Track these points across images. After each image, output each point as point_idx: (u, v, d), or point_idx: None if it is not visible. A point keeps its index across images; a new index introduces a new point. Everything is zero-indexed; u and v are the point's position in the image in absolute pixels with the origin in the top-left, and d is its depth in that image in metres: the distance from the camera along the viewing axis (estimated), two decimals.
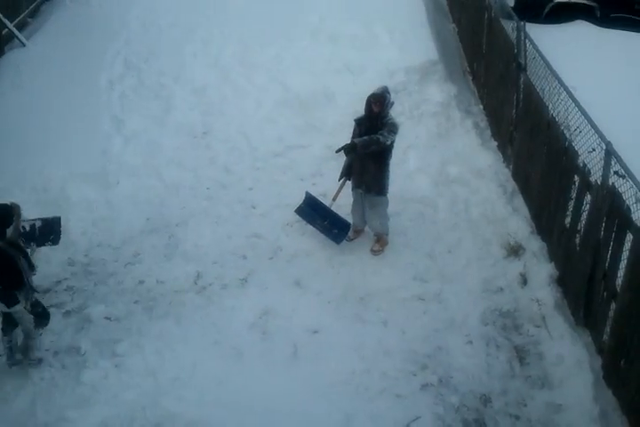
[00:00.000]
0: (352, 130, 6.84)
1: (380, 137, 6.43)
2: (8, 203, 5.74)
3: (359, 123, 6.75)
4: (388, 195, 6.96)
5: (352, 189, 7.02)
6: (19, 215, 5.74)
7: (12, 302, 5.57)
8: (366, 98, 6.62)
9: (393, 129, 6.54)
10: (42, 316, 6.01)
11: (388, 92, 6.68)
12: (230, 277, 6.83)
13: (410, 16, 10.61)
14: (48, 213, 7.20)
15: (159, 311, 6.44)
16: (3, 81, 9.18)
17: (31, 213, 7.37)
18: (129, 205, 7.68)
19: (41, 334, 6.03)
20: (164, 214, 7.63)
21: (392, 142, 6.62)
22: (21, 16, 10.69)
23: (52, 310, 6.37)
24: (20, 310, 5.63)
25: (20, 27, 10.56)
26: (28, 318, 5.74)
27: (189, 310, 6.45)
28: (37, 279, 6.68)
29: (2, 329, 5.84)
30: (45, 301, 6.48)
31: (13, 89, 9.09)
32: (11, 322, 5.78)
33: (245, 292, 6.67)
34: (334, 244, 7.12)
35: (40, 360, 5.87)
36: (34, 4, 11.23)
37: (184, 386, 5.68)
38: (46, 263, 6.94)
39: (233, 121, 8.96)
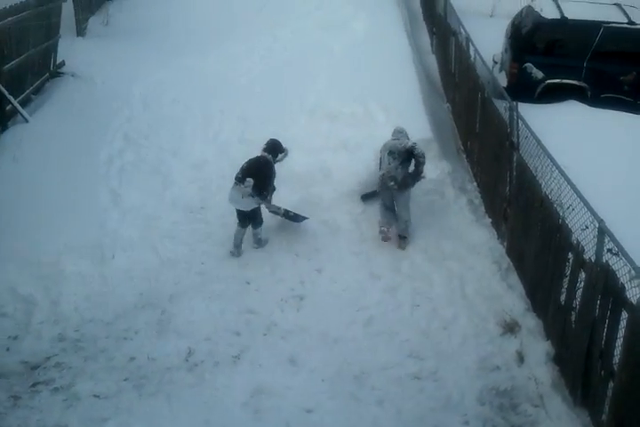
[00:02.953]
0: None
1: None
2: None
3: None
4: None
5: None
6: (287, 153, 8.37)
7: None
8: None
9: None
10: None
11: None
12: (223, 353, 6.73)
13: (405, 96, 10.88)
14: (40, 288, 7.22)
15: (149, 389, 6.31)
16: (4, 155, 9.30)
17: (25, 287, 7.39)
18: (123, 279, 7.66)
19: (244, 234, 8.12)
20: (157, 289, 7.59)
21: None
22: (26, 93, 10.95)
23: (40, 387, 6.28)
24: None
25: (24, 103, 10.80)
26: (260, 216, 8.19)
27: (180, 388, 6.31)
28: (26, 356, 6.65)
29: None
30: (34, 377, 6.40)
31: (14, 163, 9.19)
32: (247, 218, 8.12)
33: (238, 369, 6.55)
34: (329, 318, 7.10)
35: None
36: (38, 81, 11.52)
37: None
38: (37, 339, 6.87)
39: None
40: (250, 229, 8.26)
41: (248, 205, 7.97)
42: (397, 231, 8.37)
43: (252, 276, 7.81)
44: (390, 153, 8.29)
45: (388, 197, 8.40)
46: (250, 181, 7.81)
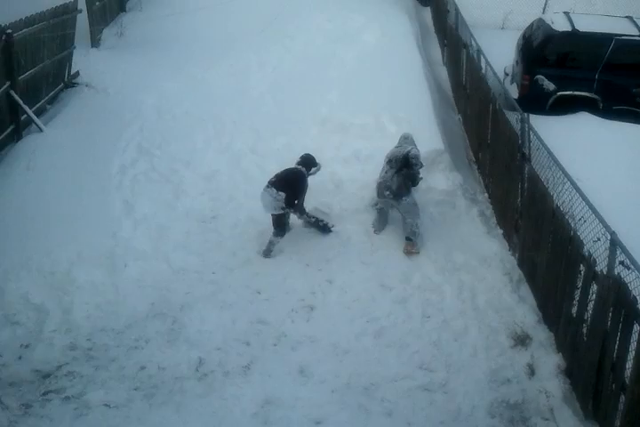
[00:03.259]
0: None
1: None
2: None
3: None
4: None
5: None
6: (319, 167, 8.55)
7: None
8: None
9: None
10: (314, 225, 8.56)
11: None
12: (233, 364, 6.73)
13: (417, 107, 10.91)
14: (52, 296, 7.28)
15: (159, 399, 6.33)
16: (18, 164, 9.39)
17: (37, 295, 7.43)
18: (135, 289, 7.68)
19: (279, 242, 8.33)
20: (169, 299, 7.60)
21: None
22: (41, 102, 11.07)
23: (51, 396, 6.30)
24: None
25: (39, 113, 10.92)
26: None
27: (190, 397, 6.33)
28: (38, 364, 6.68)
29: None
30: (45, 386, 6.43)
31: (28, 171, 9.28)
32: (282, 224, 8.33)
33: (248, 380, 6.56)
34: (339, 329, 7.13)
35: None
36: (53, 92, 11.64)
37: None
38: (48, 347, 6.89)
39: (242, 207, 9.08)
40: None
41: (276, 208, 8.13)
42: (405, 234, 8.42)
43: (262, 286, 7.81)
44: (389, 162, 8.34)
45: (385, 204, 8.49)
46: (281, 194, 7.99)
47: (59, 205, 8.69)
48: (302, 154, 8.56)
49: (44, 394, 6.38)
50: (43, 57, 11.04)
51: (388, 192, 8.23)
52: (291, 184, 8.13)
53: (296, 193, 8.19)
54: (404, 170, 8.20)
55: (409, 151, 8.20)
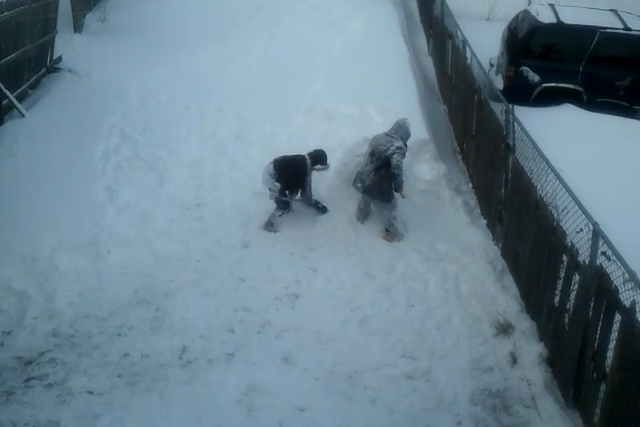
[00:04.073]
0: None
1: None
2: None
3: None
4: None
5: None
6: (327, 168, 8.71)
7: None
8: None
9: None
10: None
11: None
12: (217, 351, 6.74)
13: (402, 97, 10.89)
14: (35, 283, 7.22)
15: (143, 386, 6.31)
16: (0, 150, 9.30)
17: (19, 282, 7.38)
18: (118, 276, 7.64)
19: (281, 215, 8.49)
20: (152, 286, 7.57)
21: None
22: (22, 87, 10.93)
23: (33, 383, 6.27)
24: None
25: (21, 98, 10.77)
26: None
27: (173, 385, 6.32)
28: (20, 351, 6.63)
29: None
30: (27, 373, 6.39)
31: (9, 158, 9.18)
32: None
33: (232, 367, 6.56)
34: (323, 317, 7.13)
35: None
36: (35, 77, 11.49)
37: None
38: (31, 334, 6.85)
39: (226, 194, 9.05)
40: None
41: (270, 184, 8.35)
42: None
43: (247, 273, 7.80)
44: (371, 154, 8.25)
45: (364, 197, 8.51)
46: (277, 185, 8.25)
47: (41, 192, 8.62)
48: (318, 148, 8.65)
49: (27, 381, 6.35)
50: (24, 41, 10.87)
51: (359, 184, 8.28)
52: (286, 168, 8.27)
53: (300, 180, 8.39)
54: (382, 170, 8.12)
55: (391, 156, 7.98)
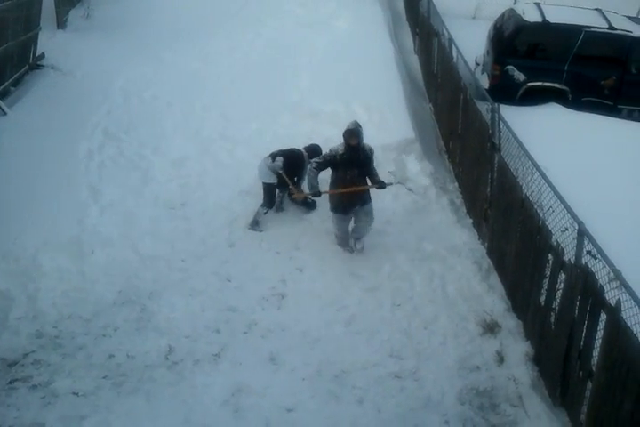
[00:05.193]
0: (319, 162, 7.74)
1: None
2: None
3: (336, 154, 7.66)
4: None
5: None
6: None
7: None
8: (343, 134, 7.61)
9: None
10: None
11: (360, 126, 7.68)
12: (203, 352, 6.69)
13: (387, 95, 10.90)
14: (17, 283, 7.15)
15: (128, 387, 6.25)
16: None
17: (1, 282, 7.29)
18: (102, 276, 7.56)
19: (266, 213, 8.47)
20: (137, 286, 7.51)
21: None
22: (4, 85, 10.79)
23: (17, 384, 6.20)
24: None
25: (3, 95, 10.65)
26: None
27: (160, 386, 6.27)
28: (3, 352, 6.55)
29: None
30: (11, 375, 6.32)
31: None
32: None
33: (218, 368, 6.52)
34: (310, 317, 7.09)
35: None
36: (17, 74, 11.36)
37: None
38: (14, 335, 6.76)
39: (211, 193, 9.00)
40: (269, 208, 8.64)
41: (269, 177, 8.39)
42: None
43: (232, 273, 7.76)
44: None
45: None
46: (280, 159, 8.33)
47: (24, 191, 8.51)
48: (313, 143, 8.86)
49: (10, 382, 6.26)
50: (6, 37, 10.74)
51: None
52: (288, 160, 8.37)
53: (295, 170, 8.46)
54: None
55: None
